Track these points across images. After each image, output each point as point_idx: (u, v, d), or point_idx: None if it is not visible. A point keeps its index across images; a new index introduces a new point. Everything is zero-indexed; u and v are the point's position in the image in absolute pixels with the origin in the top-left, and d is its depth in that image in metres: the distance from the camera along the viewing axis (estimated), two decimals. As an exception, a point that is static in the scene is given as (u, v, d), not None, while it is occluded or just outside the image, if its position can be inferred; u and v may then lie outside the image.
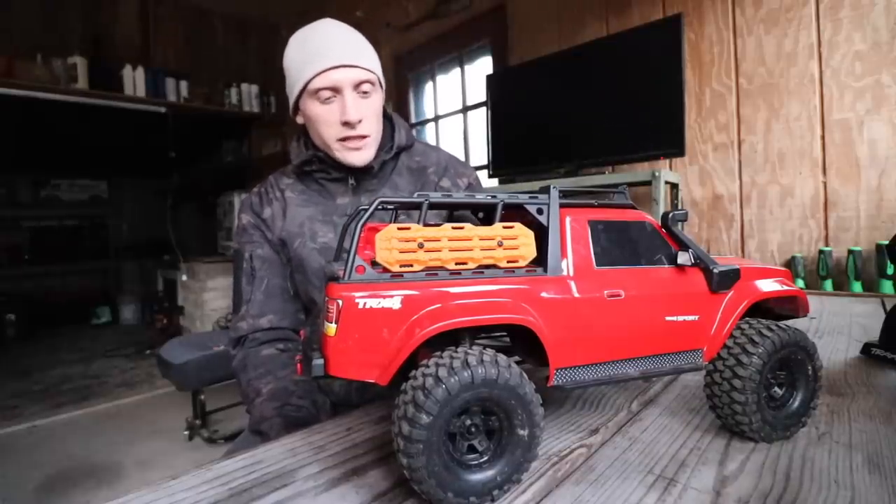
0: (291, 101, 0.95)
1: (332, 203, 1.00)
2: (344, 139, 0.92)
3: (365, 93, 0.91)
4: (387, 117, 1.04)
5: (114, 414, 2.88)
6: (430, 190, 1.01)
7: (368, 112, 0.92)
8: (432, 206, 0.45)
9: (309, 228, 0.97)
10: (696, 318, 0.52)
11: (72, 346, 4.49)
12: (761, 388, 0.51)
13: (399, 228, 0.43)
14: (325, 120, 0.91)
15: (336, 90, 0.89)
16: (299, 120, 0.99)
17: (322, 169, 0.99)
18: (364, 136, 0.92)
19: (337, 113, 0.90)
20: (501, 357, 0.42)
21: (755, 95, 1.86)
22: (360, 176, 0.99)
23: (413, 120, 3.55)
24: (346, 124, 0.90)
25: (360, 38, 0.94)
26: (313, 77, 0.88)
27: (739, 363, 0.51)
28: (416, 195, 0.45)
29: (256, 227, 1.01)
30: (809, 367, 0.54)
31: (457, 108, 3.23)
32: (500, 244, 0.46)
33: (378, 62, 0.96)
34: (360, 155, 0.94)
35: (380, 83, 0.95)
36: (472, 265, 0.45)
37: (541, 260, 0.48)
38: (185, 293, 3.99)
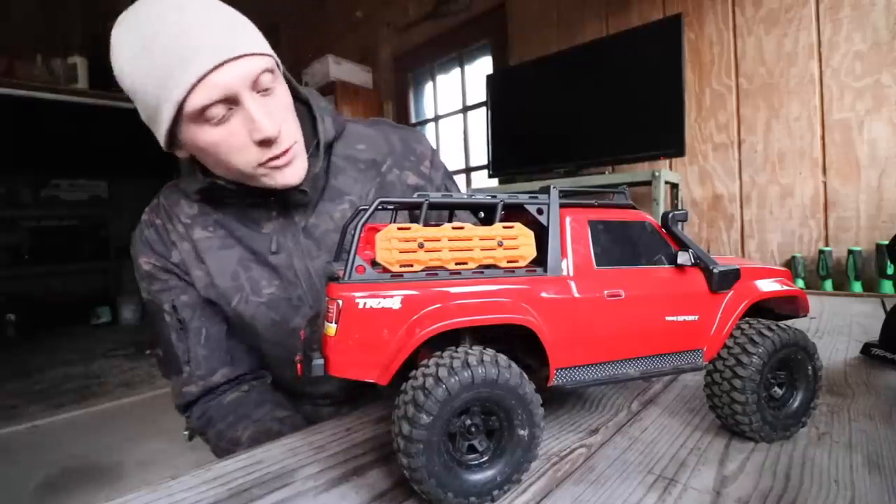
0: (161, 133, 0.65)
1: (258, 234, 0.77)
2: (266, 162, 0.67)
3: (267, 89, 0.65)
4: (301, 102, 0.79)
5: (114, 414, 2.88)
6: (398, 192, 0.85)
7: (281, 112, 0.67)
8: (432, 206, 0.45)
9: (247, 279, 0.77)
10: (696, 318, 0.52)
11: (72, 346, 4.48)
12: (761, 388, 0.51)
13: (399, 228, 0.43)
14: (230, 146, 0.64)
15: (231, 101, 0.62)
16: (181, 154, 0.71)
17: (233, 194, 0.74)
18: (290, 148, 0.68)
19: (244, 133, 0.64)
20: (501, 357, 0.42)
21: (755, 95, 1.86)
22: (285, 192, 0.74)
23: (413, 120, 3.55)
24: (264, 143, 0.65)
25: (229, 10, 0.65)
26: (188, 94, 0.59)
27: (739, 363, 0.51)
28: (416, 195, 0.45)
29: (167, 271, 0.79)
30: (809, 367, 0.54)
31: (457, 108, 3.23)
32: (500, 244, 0.46)
33: (262, 36, 0.67)
34: (293, 169, 0.70)
35: (277, 66, 0.69)
36: (472, 265, 0.45)
37: (541, 260, 0.48)
38: (185, 293, 3.99)
